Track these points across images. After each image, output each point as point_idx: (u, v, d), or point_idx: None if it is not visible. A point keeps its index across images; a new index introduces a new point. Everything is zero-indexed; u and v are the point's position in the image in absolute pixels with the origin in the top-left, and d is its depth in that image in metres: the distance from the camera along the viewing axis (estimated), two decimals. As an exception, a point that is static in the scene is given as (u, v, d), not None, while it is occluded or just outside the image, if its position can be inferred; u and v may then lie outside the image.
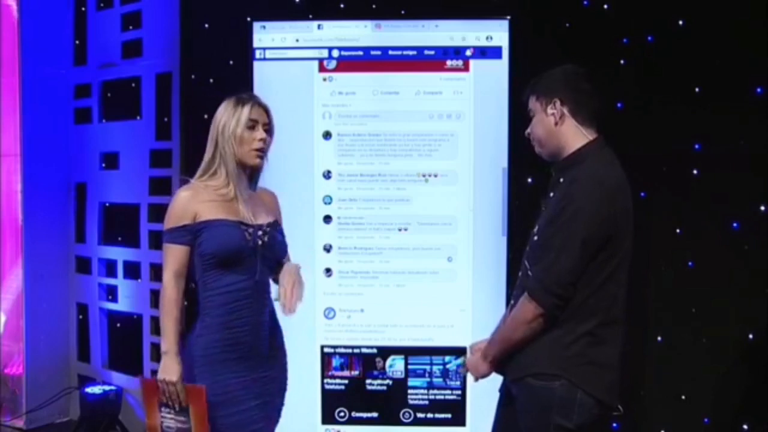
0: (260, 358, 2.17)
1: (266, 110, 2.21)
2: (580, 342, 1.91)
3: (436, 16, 3.13)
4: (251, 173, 2.23)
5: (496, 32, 3.08)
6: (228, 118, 2.14)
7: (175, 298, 2.11)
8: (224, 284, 2.11)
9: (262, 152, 2.18)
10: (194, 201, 2.12)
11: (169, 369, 2.07)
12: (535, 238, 1.99)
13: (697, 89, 2.93)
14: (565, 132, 2.01)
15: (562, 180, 1.98)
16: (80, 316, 4.13)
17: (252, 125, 2.15)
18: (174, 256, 2.12)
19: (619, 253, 1.92)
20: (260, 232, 2.16)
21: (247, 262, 2.13)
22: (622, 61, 3.08)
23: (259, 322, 2.16)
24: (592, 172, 1.91)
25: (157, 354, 3.77)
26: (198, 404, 2.05)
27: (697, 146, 2.95)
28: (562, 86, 2.02)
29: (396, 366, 3.14)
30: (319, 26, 3.15)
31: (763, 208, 2.81)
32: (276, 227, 2.24)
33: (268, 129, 2.20)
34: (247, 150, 2.14)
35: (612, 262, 1.91)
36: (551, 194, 2.02)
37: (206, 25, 3.57)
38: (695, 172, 2.95)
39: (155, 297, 3.76)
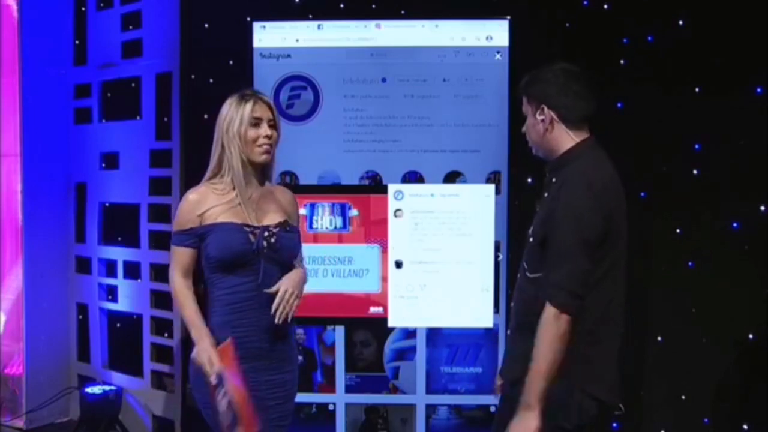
0: (266, 361, 2.15)
1: (270, 106, 2.19)
2: (577, 341, 1.90)
3: (436, 16, 3.13)
4: (263, 170, 2.21)
5: (496, 32, 3.09)
6: (232, 116, 2.13)
7: (186, 289, 2.14)
8: (228, 286, 2.12)
9: (270, 149, 2.16)
10: (201, 204, 2.13)
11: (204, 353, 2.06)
12: (531, 239, 1.99)
13: (697, 89, 2.93)
14: (556, 136, 1.98)
15: (554, 180, 1.97)
16: (80, 316, 4.12)
17: (256, 122, 2.14)
18: (180, 258, 2.16)
19: (614, 252, 1.91)
20: (266, 233, 2.14)
21: (251, 264, 2.12)
22: (622, 61, 3.08)
23: (265, 324, 2.12)
24: (582, 174, 1.90)
25: (157, 354, 3.78)
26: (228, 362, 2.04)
27: (697, 146, 2.95)
28: (550, 91, 1.97)
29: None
30: (319, 26, 3.15)
31: (763, 208, 2.81)
32: (285, 227, 2.21)
33: (273, 125, 2.18)
34: (252, 148, 2.13)
35: (606, 261, 1.89)
36: (545, 194, 2.01)
37: (206, 25, 3.57)
38: (695, 172, 2.96)
39: (155, 297, 3.76)
